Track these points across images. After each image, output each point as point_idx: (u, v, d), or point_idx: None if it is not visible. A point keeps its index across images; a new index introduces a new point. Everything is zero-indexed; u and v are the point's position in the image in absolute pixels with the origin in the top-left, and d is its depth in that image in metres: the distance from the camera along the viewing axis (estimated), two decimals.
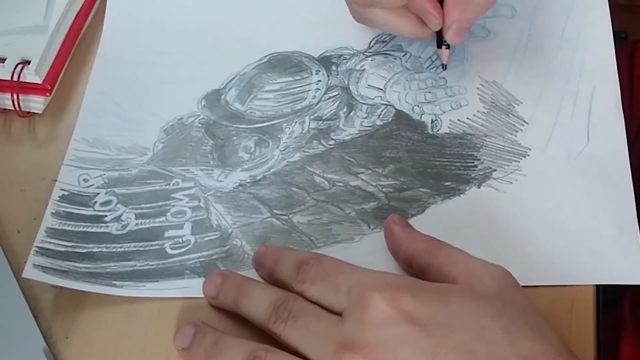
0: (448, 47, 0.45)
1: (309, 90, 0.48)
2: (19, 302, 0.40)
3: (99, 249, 0.42)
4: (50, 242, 0.42)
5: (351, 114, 0.46)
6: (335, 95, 0.47)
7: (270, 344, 0.35)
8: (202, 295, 0.40)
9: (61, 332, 0.39)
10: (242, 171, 0.45)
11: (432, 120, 0.45)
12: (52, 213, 0.43)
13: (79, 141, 0.47)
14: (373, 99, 0.47)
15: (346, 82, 0.48)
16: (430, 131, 0.45)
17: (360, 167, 0.44)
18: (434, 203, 0.42)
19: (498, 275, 0.35)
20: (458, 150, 0.44)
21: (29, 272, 0.40)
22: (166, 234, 0.42)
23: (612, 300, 0.45)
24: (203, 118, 0.47)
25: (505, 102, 0.45)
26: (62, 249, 0.42)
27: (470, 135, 0.44)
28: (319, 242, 0.41)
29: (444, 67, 0.46)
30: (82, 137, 0.47)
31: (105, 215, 0.43)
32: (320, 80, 0.48)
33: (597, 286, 0.39)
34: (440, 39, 0.45)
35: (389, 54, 0.49)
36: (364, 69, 0.48)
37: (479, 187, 0.42)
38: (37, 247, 0.42)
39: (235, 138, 0.46)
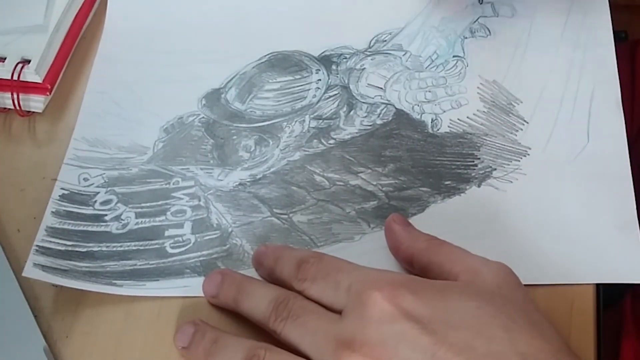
0: None
1: (309, 90, 0.48)
2: (19, 301, 0.40)
3: (99, 248, 0.42)
4: (50, 241, 0.42)
5: (351, 113, 0.46)
6: (336, 95, 0.47)
7: (271, 343, 0.35)
8: (202, 295, 0.40)
9: (61, 332, 0.39)
10: (242, 170, 0.45)
11: (432, 119, 0.45)
12: (52, 212, 0.43)
13: (79, 140, 0.47)
14: (373, 98, 0.47)
15: (346, 81, 0.48)
16: (430, 130, 0.45)
17: (361, 166, 0.44)
18: (434, 202, 0.42)
19: (499, 271, 0.35)
20: (458, 149, 0.44)
21: (29, 271, 0.40)
22: (166, 233, 0.42)
23: (613, 300, 0.45)
24: (203, 117, 0.47)
25: (506, 101, 0.45)
26: (62, 248, 0.42)
27: (471, 134, 0.44)
28: (319, 241, 0.41)
29: (481, 1, 0.47)
30: (82, 136, 0.47)
31: (106, 214, 0.43)
32: (320, 80, 0.48)
33: (597, 285, 0.39)
34: None
35: (389, 53, 0.49)
36: (364, 68, 0.48)
37: (479, 186, 0.42)
38: (37, 246, 0.42)
39: (235, 137, 0.46)
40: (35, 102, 0.48)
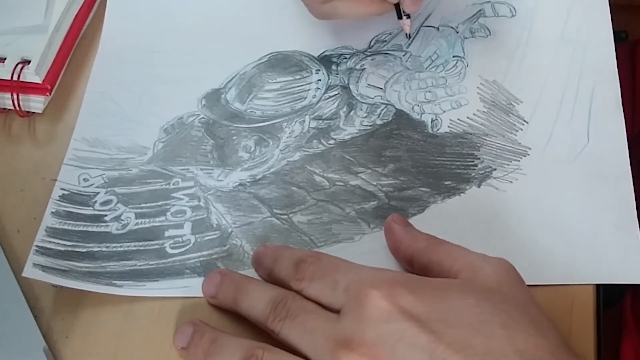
0: (408, 16, 0.46)
1: (309, 90, 0.48)
2: (19, 302, 0.40)
3: (99, 249, 0.42)
4: (50, 242, 0.42)
5: (351, 113, 0.46)
6: (335, 95, 0.47)
7: (270, 343, 0.35)
8: (202, 295, 0.40)
9: (61, 332, 0.39)
10: (242, 170, 0.45)
11: (432, 119, 0.45)
12: (52, 212, 0.43)
13: (79, 141, 0.47)
14: (373, 98, 0.47)
15: (346, 81, 0.48)
16: (430, 130, 0.45)
17: (360, 166, 0.44)
18: (434, 202, 0.42)
19: (499, 268, 0.35)
20: (458, 149, 0.44)
21: (29, 272, 0.40)
22: (166, 234, 0.42)
23: (613, 299, 0.45)
24: (203, 117, 0.47)
25: (506, 101, 0.45)
26: (62, 249, 0.42)
27: (471, 134, 0.44)
28: (319, 241, 0.41)
29: (408, 36, 0.47)
30: (82, 136, 0.47)
31: (105, 215, 0.43)
32: (320, 80, 0.48)
33: (597, 285, 0.39)
34: (399, 11, 0.45)
35: (389, 54, 0.48)
36: (364, 68, 0.48)
37: (479, 186, 0.42)
38: (37, 246, 0.42)
39: (235, 137, 0.46)
40: (35, 103, 0.48)
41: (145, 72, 0.50)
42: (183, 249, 0.42)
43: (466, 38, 0.48)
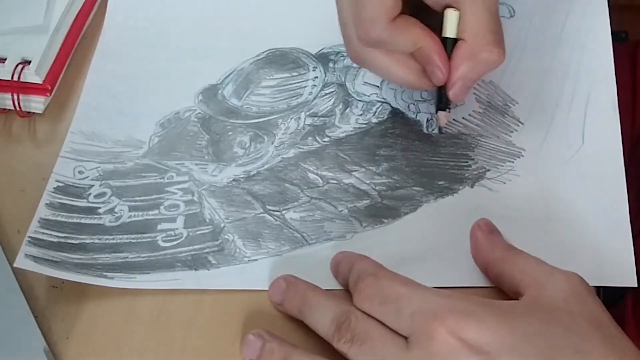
0: (449, 109, 0.41)
1: (305, 87, 0.48)
2: (19, 302, 0.40)
3: (92, 241, 0.42)
4: (43, 233, 0.42)
5: (347, 110, 0.46)
6: (332, 92, 0.47)
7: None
8: (192, 287, 0.40)
9: (61, 332, 0.39)
10: (236, 166, 0.45)
11: (427, 119, 0.45)
12: (46, 204, 0.43)
13: (75, 133, 0.47)
14: (369, 96, 0.47)
15: (343, 79, 0.48)
16: (425, 130, 0.45)
17: (355, 164, 0.44)
18: (427, 202, 0.42)
19: (567, 284, 0.34)
20: (452, 149, 0.44)
21: (21, 262, 0.41)
22: (159, 227, 0.42)
23: (614, 300, 0.45)
24: (199, 113, 0.48)
25: (502, 102, 0.45)
26: (55, 240, 0.42)
27: (465, 135, 0.44)
28: (311, 238, 0.41)
29: (440, 130, 0.43)
30: (79, 129, 0.47)
31: (99, 207, 0.43)
32: (317, 77, 0.48)
33: (597, 287, 0.38)
34: (440, 96, 0.40)
35: None
36: None
37: (472, 186, 0.42)
38: (29, 237, 0.42)
39: (230, 133, 0.46)
40: (36, 103, 0.49)
41: (143, 66, 0.50)
42: (175, 243, 0.42)
43: None
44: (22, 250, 0.41)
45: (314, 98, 0.47)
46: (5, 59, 0.48)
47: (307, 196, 0.43)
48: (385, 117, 0.46)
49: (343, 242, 0.41)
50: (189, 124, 0.47)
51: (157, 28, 0.52)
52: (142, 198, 0.44)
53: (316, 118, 0.46)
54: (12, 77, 0.47)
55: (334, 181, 0.44)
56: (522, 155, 0.43)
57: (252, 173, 0.44)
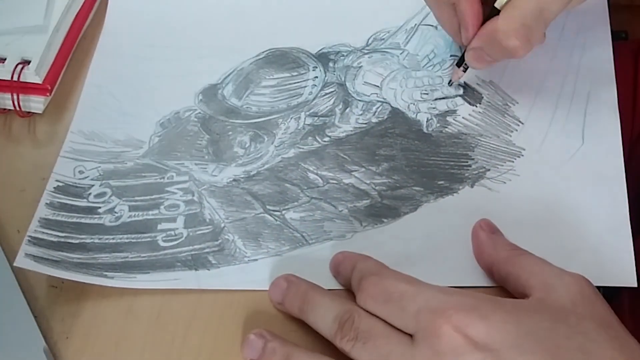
0: (465, 69, 0.44)
1: (305, 87, 0.48)
2: (19, 302, 0.40)
3: (92, 240, 0.42)
4: (43, 232, 0.42)
5: (347, 110, 0.46)
6: (332, 92, 0.47)
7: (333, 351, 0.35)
8: (192, 287, 0.40)
9: (61, 332, 0.40)
10: (236, 166, 0.45)
11: (427, 118, 0.45)
12: (47, 204, 0.44)
13: (75, 133, 0.47)
14: (369, 96, 0.47)
15: (343, 78, 0.48)
16: (425, 130, 0.45)
17: (354, 164, 0.44)
18: (427, 202, 0.42)
19: (575, 286, 0.34)
20: (452, 149, 0.44)
21: (21, 261, 0.41)
22: (159, 227, 0.42)
23: (611, 297, 0.45)
24: (199, 112, 0.48)
25: (501, 102, 0.45)
26: (55, 239, 0.42)
27: (465, 134, 0.44)
28: (311, 238, 0.41)
29: (450, 83, 0.46)
30: (79, 129, 0.47)
31: (99, 207, 0.43)
32: (317, 77, 0.48)
33: (597, 285, 0.38)
34: (462, 57, 0.43)
35: (387, 52, 0.48)
36: (361, 66, 0.48)
37: (472, 186, 0.42)
38: (29, 236, 0.42)
39: (230, 133, 0.46)
40: (35, 103, 0.49)
41: (143, 66, 0.50)
42: (175, 242, 0.42)
43: None
44: (22, 249, 0.41)
45: (314, 98, 0.47)
46: (5, 59, 0.48)
47: (307, 196, 0.43)
48: (385, 116, 0.46)
49: (343, 242, 0.41)
50: (189, 124, 0.47)
51: (157, 28, 0.52)
52: (142, 198, 0.44)
53: (316, 118, 0.46)
54: (12, 77, 0.47)
55: (334, 181, 0.44)
56: (522, 155, 0.43)
57: (252, 173, 0.44)
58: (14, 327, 0.39)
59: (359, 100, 0.47)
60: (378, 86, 0.47)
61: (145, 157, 0.46)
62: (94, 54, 0.51)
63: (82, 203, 0.44)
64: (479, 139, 0.44)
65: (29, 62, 0.48)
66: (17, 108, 0.48)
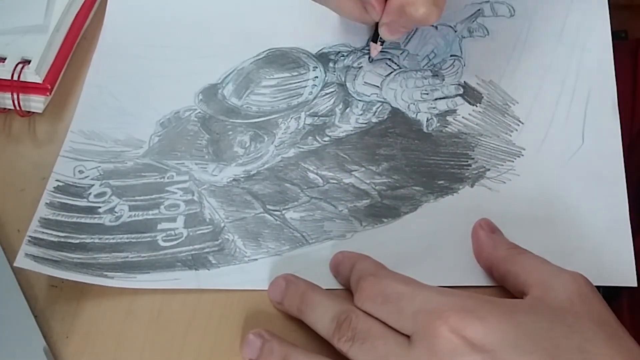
0: (382, 42, 0.45)
1: (305, 87, 0.48)
2: (19, 302, 0.40)
3: (92, 240, 0.42)
4: (43, 232, 0.42)
5: (347, 110, 0.46)
6: (332, 92, 0.47)
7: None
8: (192, 287, 0.40)
9: (61, 332, 0.40)
10: (236, 166, 0.45)
11: (427, 118, 0.45)
12: (47, 203, 0.44)
13: (75, 133, 0.47)
14: (369, 96, 0.47)
15: (343, 78, 0.48)
16: (425, 129, 0.45)
17: (354, 164, 0.44)
18: (427, 201, 0.42)
19: (572, 284, 0.34)
20: (452, 149, 0.44)
21: (21, 261, 0.41)
22: (159, 227, 0.42)
23: (610, 298, 0.45)
24: (199, 112, 0.48)
25: (502, 101, 0.45)
26: (55, 239, 0.42)
27: (465, 134, 0.44)
28: (311, 238, 0.41)
29: (370, 59, 0.47)
30: (79, 129, 0.47)
31: (99, 207, 0.43)
32: (317, 77, 0.48)
33: (596, 285, 0.38)
34: (376, 32, 0.45)
35: (387, 52, 0.48)
36: (361, 66, 0.48)
37: (472, 186, 0.42)
38: (29, 236, 0.42)
39: (230, 133, 0.46)
40: (36, 103, 0.49)
41: (143, 66, 0.50)
42: (175, 242, 0.42)
43: (464, 37, 0.48)
44: (22, 249, 0.41)
45: (314, 98, 0.47)
46: (5, 59, 0.48)
47: (307, 196, 0.43)
48: (385, 116, 0.46)
49: (343, 242, 0.41)
50: (189, 124, 0.47)
51: (157, 27, 0.52)
52: (142, 197, 0.44)
53: (316, 118, 0.46)
54: (12, 76, 0.47)
55: (334, 181, 0.44)
56: (522, 155, 0.43)
57: (252, 173, 0.44)
58: (14, 326, 0.39)
59: (359, 100, 0.47)
60: (378, 86, 0.47)
61: (145, 156, 0.46)
62: (94, 53, 0.51)
63: (82, 203, 0.44)
64: (479, 139, 0.44)
65: (29, 62, 0.48)
66: (17, 107, 0.48)
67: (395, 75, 0.47)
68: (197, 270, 0.41)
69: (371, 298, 0.35)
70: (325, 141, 0.45)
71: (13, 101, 0.48)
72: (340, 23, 0.50)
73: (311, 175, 0.44)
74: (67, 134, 0.47)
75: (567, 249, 0.39)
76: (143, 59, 0.50)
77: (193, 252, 0.41)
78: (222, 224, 0.42)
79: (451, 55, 0.47)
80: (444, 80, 0.47)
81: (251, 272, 0.40)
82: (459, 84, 0.46)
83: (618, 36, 0.46)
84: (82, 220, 0.43)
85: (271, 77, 0.48)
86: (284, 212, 0.43)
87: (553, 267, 0.36)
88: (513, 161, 0.43)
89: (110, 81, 0.49)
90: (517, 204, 0.41)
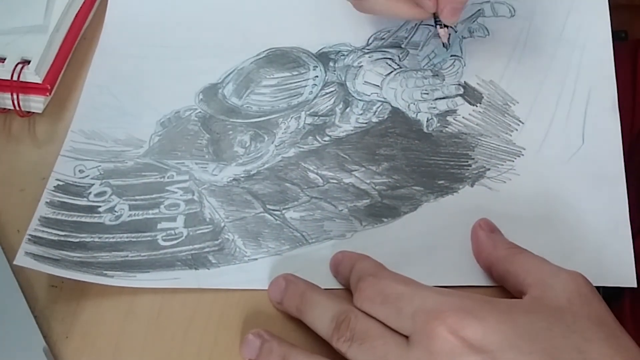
0: (447, 26, 0.45)
1: (305, 86, 0.48)
2: (19, 302, 0.40)
3: (92, 239, 0.42)
4: (43, 231, 0.42)
5: (347, 110, 0.46)
6: (332, 91, 0.47)
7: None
8: (192, 286, 0.40)
9: (61, 332, 0.40)
10: (236, 166, 0.45)
11: (427, 118, 0.45)
12: (47, 202, 0.44)
13: (76, 132, 0.47)
14: (369, 95, 0.47)
15: (343, 78, 0.48)
16: (425, 129, 0.45)
17: (355, 164, 0.44)
18: (427, 201, 0.42)
19: (570, 284, 0.34)
20: (452, 149, 0.44)
21: (21, 260, 0.41)
22: (159, 226, 0.42)
23: (612, 300, 0.45)
24: (200, 112, 0.48)
25: (502, 101, 0.45)
26: (55, 238, 0.42)
27: (466, 134, 0.44)
28: (311, 238, 0.41)
29: (445, 45, 0.46)
30: (80, 128, 0.47)
31: (99, 206, 0.43)
32: (317, 76, 0.48)
33: (596, 286, 0.38)
34: (436, 20, 0.44)
35: (387, 51, 0.48)
36: (362, 66, 0.48)
37: (472, 186, 0.42)
38: (29, 235, 0.42)
39: (231, 132, 0.46)
40: (35, 103, 0.49)
41: (144, 66, 0.50)
42: (175, 242, 0.42)
43: (464, 37, 0.48)
44: (22, 248, 0.41)
45: (315, 97, 0.47)
46: (5, 59, 0.48)
47: (307, 195, 0.43)
48: (386, 116, 0.46)
49: (343, 242, 0.41)
50: (190, 123, 0.47)
51: (157, 27, 0.52)
52: (142, 197, 0.44)
53: (316, 117, 0.46)
54: (12, 76, 0.47)
55: (334, 180, 0.44)
56: (522, 155, 0.43)
57: (252, 172, 0.44)
58: (14, 326, 0.39)
59: (359, 100, 0.47)
60: (378, 86, 0.47)
61: (145, 156, 0.46)
62: (95, 53, 0.51)
63: (82, 202, 0.44)
64: (479, 139, 0.44)
65: (28, 62, 0.48)
66: (17, 108, 0.48)
67: (395, 74, 0.47)
68: (197, 270, 0.41)
69: (370, 298, 0.35)
70: (325, 141, 0.45)
71: (13, 101, 0.48)
72: (339, 22, 0.50)
73: (311, 175, 0.44)
74: (67, 134, 0.47)
75: (566, 248, 0.39)
76: (143, 59, 0.50)
77: (193, 252, 0.41)
78: (222, 224, 0.42)
79: (451, 56, 0.47)
80: (444, 80, 0.47)
81: (251, 272, 0.40)
82: (459, 84, 0.46)
83: (618, 36, 0.46)
84: (82, 219, 0.43)
85: (271, 76, 0.48)
86: (284, 211, 0.43)
87: (552, 266, 0.36)
88: (513, 161, 0.43)
89: (111, 81, 0.49)
90: (517, 203, 0.41)
